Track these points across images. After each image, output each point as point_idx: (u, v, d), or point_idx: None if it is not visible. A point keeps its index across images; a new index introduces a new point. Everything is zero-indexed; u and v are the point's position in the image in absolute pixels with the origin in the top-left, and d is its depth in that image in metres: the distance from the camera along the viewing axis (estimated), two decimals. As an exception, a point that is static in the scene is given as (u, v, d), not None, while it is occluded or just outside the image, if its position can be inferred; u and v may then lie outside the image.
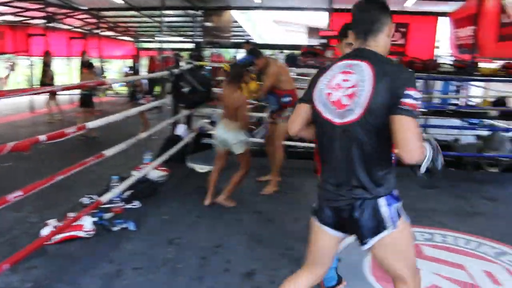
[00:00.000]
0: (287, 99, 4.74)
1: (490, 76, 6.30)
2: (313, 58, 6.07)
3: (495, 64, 6.96)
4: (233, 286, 2.91)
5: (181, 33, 16.91)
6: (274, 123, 4.87)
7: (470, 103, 8.84)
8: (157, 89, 9.79)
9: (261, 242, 3.56)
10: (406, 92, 1.64)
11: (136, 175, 4.31)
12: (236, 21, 15.81)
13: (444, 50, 12.09)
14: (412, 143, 1.62)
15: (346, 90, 1.77)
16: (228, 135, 4.17)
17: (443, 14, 11.72)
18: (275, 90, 4.75)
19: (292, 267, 3.14)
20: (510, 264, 3.34)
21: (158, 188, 4.71)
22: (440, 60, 6.73)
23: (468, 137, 7.10)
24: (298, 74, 7.80)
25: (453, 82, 9.20)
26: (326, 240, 2.01)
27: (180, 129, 5.91)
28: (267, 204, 4.44)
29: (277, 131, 4.85)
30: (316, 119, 1.90)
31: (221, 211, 4.17)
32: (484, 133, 6.56)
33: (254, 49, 4.82)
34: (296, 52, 6.63)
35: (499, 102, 6.24)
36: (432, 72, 6.24)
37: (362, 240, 1.87)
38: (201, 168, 5.51)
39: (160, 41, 11.36)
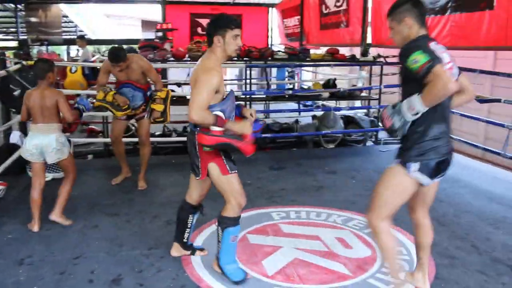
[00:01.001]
0: (149, 92, 4.69)
1: (319, 60, 6.88)
2: (152, 51, 5.92)
3: (321, 50, 7.60)
4: (100, 297, 2.72)
5: (2, 29, 15.16)
6: (140, 118, 4.74)
7: (304, 86, 9.54)
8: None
9: (123, 245, 3.39)
10: None
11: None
12: (66, 16, 14.72)
13: (275, 39, 12.83)
14: None
15: (448, 64, 2.27)
16: (45, 142, 3.57)
17: (273, 5, 12.39)
18: (140, 85, 4.61)
19: (159, 265, 3.07)
20: (356, 228, 3.71)
21: (-6, 205, 4.16)
22: (274, 48, 7.09)
23: (305, 118, 7.67)
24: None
25: (287, 68, 9.83)
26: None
27: (15, 137, 5.31)
28: (123, 205, 4.24)
29: (145, 127, 4.74)
30: None
31: (74, 219, 3.84)
32: (319, 113, 7.15)
33: (120, 50, 4.48)
34: (134, 46, 6.40)
35: (329, 84, 6.85)
36: (268, 60, 6.57)
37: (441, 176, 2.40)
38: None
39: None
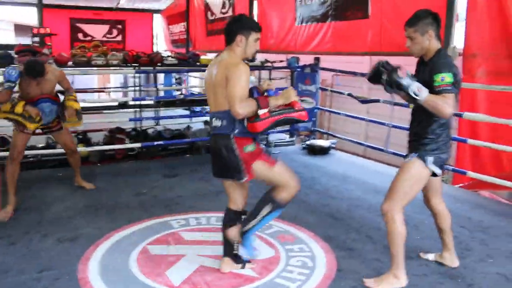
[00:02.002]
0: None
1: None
2: (32, 56, 5.43)
3: (210, 56, 7.59)
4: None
5: None
6: (58, 130, 4.48)
7: (192, 93, 9.46)
8: None
9: (8, 271, 3.01)
10: None
11: None
12: None
13: (161, 46, 12.60)
14: None
15: None
16: None
17: (157, 11, 12.16)
18: (55, 98, 4.34)
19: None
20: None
21: None
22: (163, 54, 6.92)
23: (197, 124, 7.59)
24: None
25: (174, 75, 9.69)
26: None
27: None
28: (6, 226, 3.78)
29: (67, 135, 4.61)
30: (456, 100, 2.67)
31: None
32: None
33: (38, 63, 4.08)
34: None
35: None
36: (157, 66, 6.39)
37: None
38: None
39: None
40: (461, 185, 5.02)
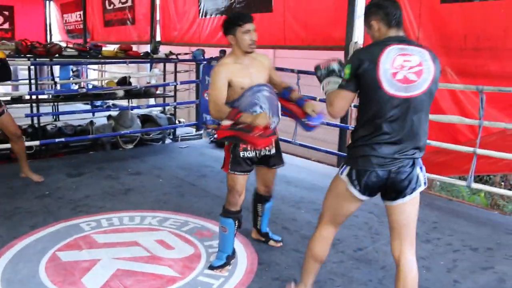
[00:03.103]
0: None
1: (113, 58, 6.55)
2: None
3: (112, 47, 7.26)
4: None
5: None
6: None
7: (91, 86, 8.99)
8: None
9: None
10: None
11: None
12: None
13: (55, 36, 11.79)
14: None
15: (411, 69, 2.10)
16: None
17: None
18: None
19: None
20: (173, 228, 3.65)
21: None
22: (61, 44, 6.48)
23: (100, 119, 7.22)
24: None
25: (71, 67, 9.13)
26: (355, 205, 2.28)
27: None
28: None
29: (10, 121, 4.44)
30: (374, 95, 2.10)
31: None
32: (115, 113, 6.82)
33: None
34: None
35: (125, 82, 6.59)
36: (55, 57, 5.98)
37: (400, 196, 2.17)
38: None
39: None
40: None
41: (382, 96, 2.08)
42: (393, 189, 2.18)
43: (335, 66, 2.36)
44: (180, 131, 7.39)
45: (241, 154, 2.87)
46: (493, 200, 6.98)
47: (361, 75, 2.11)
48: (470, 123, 4.16)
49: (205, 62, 6.68)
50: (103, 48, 6.80)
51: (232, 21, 2.80)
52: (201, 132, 7.38)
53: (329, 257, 3.07)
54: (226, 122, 2.70)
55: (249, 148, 2.86)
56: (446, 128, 4.48)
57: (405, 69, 2.09)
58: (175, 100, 7.06)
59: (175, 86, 6.92)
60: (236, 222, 2.95)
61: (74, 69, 9.60)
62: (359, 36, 5.24)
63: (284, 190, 4.59)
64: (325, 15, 5.68)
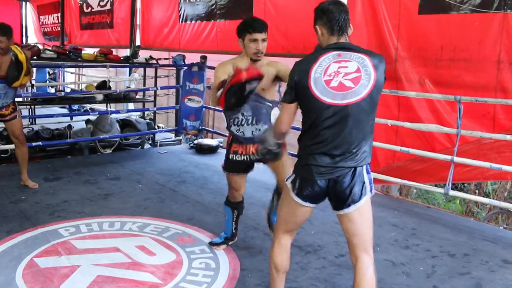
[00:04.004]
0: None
1: (93, 61, 6.48)
2: None
3: (92, 50, 7.18)
4: None
5: None
6: (12, 119, 4.44)
7: (68, 89, 8.87)
8: None
9: None
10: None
11: None
12: None
13: (30, 37, 11.59)
14: None
15: (347, 76, 2.06)
16: None
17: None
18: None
19: None
20: (154, 233, 3.61)
21: None
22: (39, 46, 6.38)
23: (78, 123, 7.12)
24: None
25: (48, 70, 8.98)
26: (306, 212, 2.26)
27: None
28: None
29: (19, 126, 4.51)
30: (310, 105, 2.10)
31: None
32: (93, 117, 6.73)
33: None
34: None
35: (104, 86, 6.52)
36: (34, 59, 5.87)
37: (345, 206, 2.13)
38: None
39: None
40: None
41: (317, 104, 2.07)
42: (336, 199, 2.17)
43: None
44: (159, 136, 7.35)
45: (230, 156, 3.09)
46: (467, 207, 7.15)
47: (295, 86, 2.12)
48: (448, 132, 4.24)
49: (185, 67, 6.67)
50: (83, 51, 6.72)
51: (243, 26, 2.88)
52: (181, 137, 7.35)
53: (311, 263, 3.11)
54: (220, 91, 2.67)
55: (239, 152, 3.05)
56: (423, 136, 4.58)
57: (340, 76, 2.06)
58: (154, 105, 7.02)
59: (155, 91, 6.89)
60: (235, 211, 3.33)
61: (51, 71, 9.46)
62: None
63: (264, 196, 4.60)
64: (305, 22, 5.70)
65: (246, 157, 3.07)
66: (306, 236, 3.55)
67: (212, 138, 7.23)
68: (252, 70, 2.58)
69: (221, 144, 6.80)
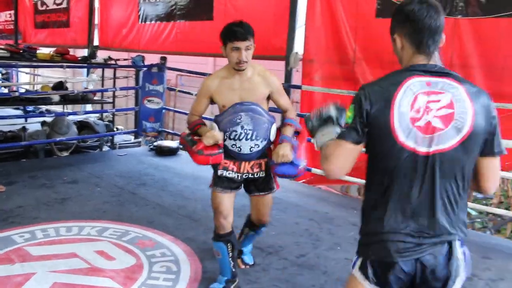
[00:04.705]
0: None
1: (49, 61, 6.30)
2: None
3: (48, 50, 6.98)
4: None
5: None
6: None
7: (22, 90, 8.58)
8: None
9: None
10: (496, 123, 1.51)
11: None
12: None
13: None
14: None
15: (437, 112, 1.45)
16: None
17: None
18: None
19: None
20: (113, 238, 3.54)
21: None
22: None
23: (33, 125, 6.91)
24: None
25: (0, 69, 8.68)
26: None
27: None
28: None
29: None
30: (387, 149, 1.49)
31: None
32: (50, 118, 6.54)
33: None
34: None
35: (61, 86, 6.35)
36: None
37: None
38: None
39: None
40: (303, 180, 5.45)
41: (396, 150, 1.46)
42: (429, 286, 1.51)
43: (331, 111, 1.69)
44: (118, 139, 7.22)
45: (219, 172, 2.71)
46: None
47: (369, 121, 1.49)
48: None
49: (145, 68, 6.58)
50: (38, 51, 6.53)
51: (225, 32, 2.57)
52: (140, 139, 7.24)
53: (272, 264, 3.14)
54: (186, 131, 2.80)
55: (229, 168, 2.70)
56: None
57: (430, 114, 1.46)
58: (113, 107, 6.89)
59: (114, 92, 6.77)
60: (228, 245, 2.76)
61: (3, 71, 9.15)
62: (299, 47, 5.37)
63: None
64: (266, 24, 5.78)
65: (237, 175, 2.72)
66: (267, 237, 3.57)
67: (172, 140, 7.15)
68: (206, 160, 2.62)
69: (181, 146, 6.75)
